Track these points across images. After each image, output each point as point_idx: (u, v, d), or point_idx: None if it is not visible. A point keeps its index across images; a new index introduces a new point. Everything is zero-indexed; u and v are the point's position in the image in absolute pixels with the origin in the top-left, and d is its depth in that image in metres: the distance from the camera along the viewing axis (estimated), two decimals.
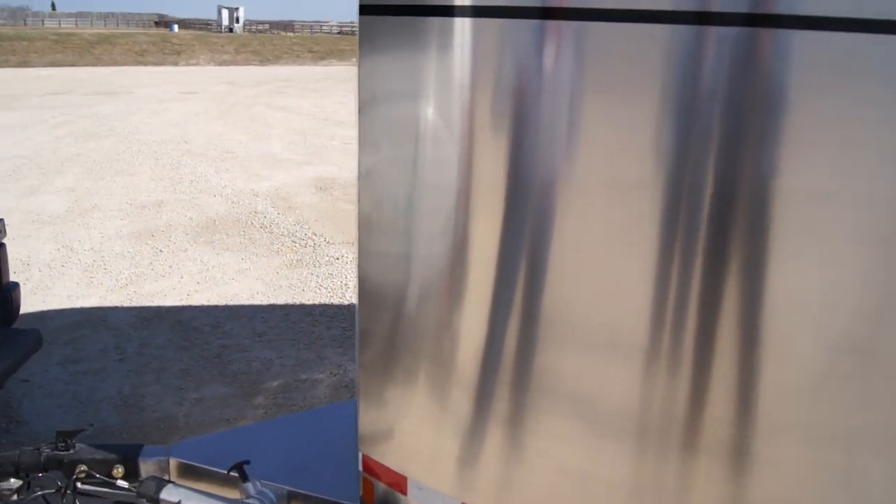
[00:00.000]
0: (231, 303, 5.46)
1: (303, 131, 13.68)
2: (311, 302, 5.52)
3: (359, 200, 2.09)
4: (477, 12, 1.82)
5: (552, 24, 1.74)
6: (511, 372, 1.94)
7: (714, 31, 1.59)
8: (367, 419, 2.25)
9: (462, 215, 1.94)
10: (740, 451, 1.78)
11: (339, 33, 60.30)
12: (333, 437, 2.84)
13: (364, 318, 2.17)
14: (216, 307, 5.37)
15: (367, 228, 2.09)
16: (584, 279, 1.80)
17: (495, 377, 1.97)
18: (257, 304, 5.44)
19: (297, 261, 6.41)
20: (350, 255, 6.58)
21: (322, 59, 37.04)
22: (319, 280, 5.96)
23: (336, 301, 5.56)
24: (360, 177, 2.07)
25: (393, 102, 1.99)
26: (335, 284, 5.88)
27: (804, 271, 1.61)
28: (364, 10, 1.98)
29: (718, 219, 1.65)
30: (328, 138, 12.98)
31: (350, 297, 5.65)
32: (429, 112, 1.93)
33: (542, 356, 1.89)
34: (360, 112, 2.03)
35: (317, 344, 4.80)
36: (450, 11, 1.86)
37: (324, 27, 67.24)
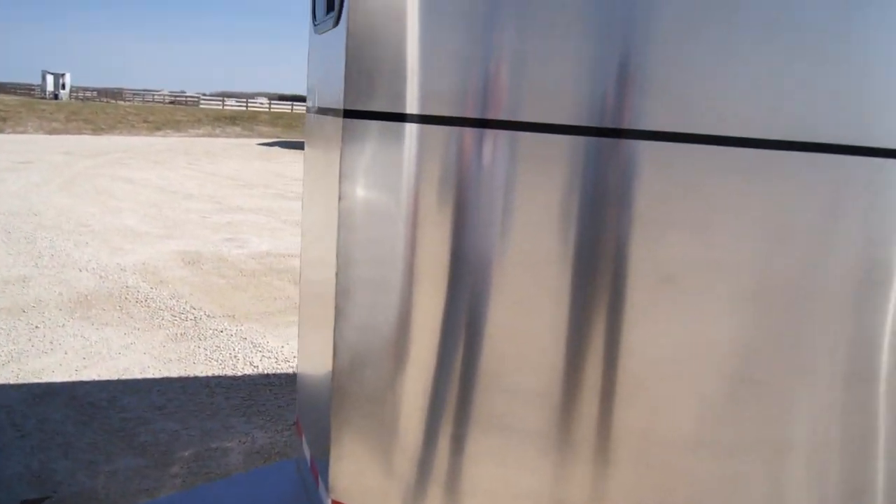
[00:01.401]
0: (123, 377, 5.49)
1: (155, 204, 13.55)
2: (204, 374, 5.64)
3: (337, 276, 2.44)
4: (426, 120, 2.29)
5: (489, 132, 2.24)
6: (457, 417, 2.36)
7: (608, 141, 2.15)
8: (338, 468, 2.55)
9: (409, 288, 2.36)
10: (650, 465, 2.30)
11: (171, 103, 59.20)
12: (282, 493, 3.09)
13: (338, 377, 2.51)
14: (109, 382, 5.39)
15: (343, 298, 2.45)
16: (514, 335, 2.28)
17: (445, 421, 2.38)
18: (151, 378, 5.51)
19: (181, 334, 6.49)
20: (233, 328, 6.74)
21: (158, 129, 36.33)
22: (208, 353, 6.08)
23: (229, 373, 5.71)
24: (338, 256, 2.43)
25: (369, 190, 2.38)
26: (224, 356, 6.02)
27: (687, 324, 2.17)
28: (347, 113, 2.38)
29: (626, 286, 2.19)
30: (183, 212, 12.93)
31: (242, 368, 5.81)
32: (394, 198, 2.34)
33: (482, 403, 2.33)
34: (340, 198, 2.40)
35: (220, 414, 4.94)
36: (411, 119, 2.31)
37: (156, 96, 65.81)
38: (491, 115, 2.23)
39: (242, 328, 6.74)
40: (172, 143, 30.18)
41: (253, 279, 8.53)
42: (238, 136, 38.04)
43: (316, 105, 2.97)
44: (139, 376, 5.53)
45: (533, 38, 2.15)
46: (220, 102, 59.22)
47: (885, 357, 2.34)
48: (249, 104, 60.95)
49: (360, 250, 2.41)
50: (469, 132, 2.25)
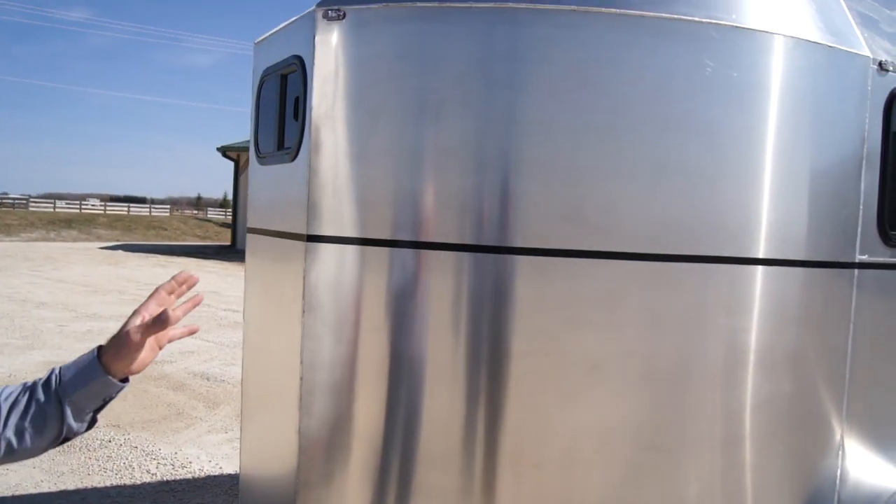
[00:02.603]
0: (17, 493, 5.43)
1: (7, 314, 13.04)
2: (102, 485, 5.66)
3: (302, 380, 2.82)
4: (365, 242, 2.79)
5: (424, 252, 2.76)
6: (401, 493, 2.81)
7: (489, 256, 2.71)
8: None
9: (349, 388, 2.82)
10: None
11: None
12: None
13: (303, 471, 2.87)
14: (2, 499, 5.32)
15: (308, 399, 2.83)
16: (443, 423, 2.77)
17: (391, 498, 2.82)
18: (47, 492, 5.47)
19: (67, 446, 6.42)
20: (121, 437, 6.73)
21: None
22: (100, 463, 6.08)
23: (127, 482, 5.75)
24: (303, 362, 2.82)
25: (329, 303, 2.81)
26: (118, 466, 6.04)
27: (608, 404, 2.70)
28: (310, 238, 2.81)
29: (555, 374, 2.70)
30: (38, 321, 12.53)
31: (140, 476, 5.86)
32: (349, 310, 2.80)
33: (423, 480, 2.79)
34: (304, 312, 2.81)
35: None
36: (360, 242, 2.79)
37: None
38: (425, 238, 2.74)
39: (130, 437, 6.76)
40: (6, 247, 28.82)
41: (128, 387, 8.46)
42: (76, 239, 36.71)
43: (262, 227, 3.37)
44: (34, 491, 5.49)
45: (456, 172, 2.69)
46: (50, 204, 56.81)
47: (747, 423, 2.94)
48: (83, 206, 58.81)
49: (321, 357, 2.81)
50: (406, 252, 2.75)
